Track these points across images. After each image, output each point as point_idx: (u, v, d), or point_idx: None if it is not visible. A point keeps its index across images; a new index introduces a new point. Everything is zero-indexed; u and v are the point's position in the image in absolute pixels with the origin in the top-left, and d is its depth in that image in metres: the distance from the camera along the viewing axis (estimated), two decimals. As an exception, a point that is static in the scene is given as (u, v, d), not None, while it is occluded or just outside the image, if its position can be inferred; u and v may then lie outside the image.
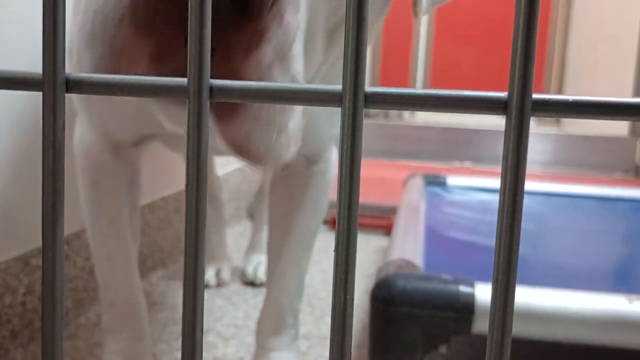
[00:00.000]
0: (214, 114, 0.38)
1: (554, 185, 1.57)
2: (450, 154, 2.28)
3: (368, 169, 1.34)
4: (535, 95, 0.24)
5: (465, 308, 0.67)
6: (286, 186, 0.80)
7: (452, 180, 1.56)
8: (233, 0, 0.35)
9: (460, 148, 2.29)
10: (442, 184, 1.55)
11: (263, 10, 0.36)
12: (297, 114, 0.43)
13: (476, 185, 1.53)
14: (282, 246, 0.81)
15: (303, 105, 0.27)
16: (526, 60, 0.24)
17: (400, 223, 1.09)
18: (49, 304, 0.26)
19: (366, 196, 1.61)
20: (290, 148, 0.46)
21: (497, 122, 2.44)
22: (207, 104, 0.26)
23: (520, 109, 0.24)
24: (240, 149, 0.40)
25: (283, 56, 0.38)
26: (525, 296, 0.69)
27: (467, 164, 2.23)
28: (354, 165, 0.25)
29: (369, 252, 1.55)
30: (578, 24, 3.25)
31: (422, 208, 1.24)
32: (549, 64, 3.41)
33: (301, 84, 0.26)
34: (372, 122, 2.58)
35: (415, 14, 0.55)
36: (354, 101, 0.25)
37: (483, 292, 0.69)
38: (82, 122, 0.72)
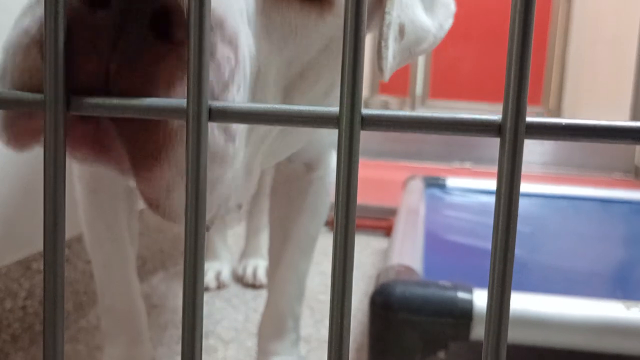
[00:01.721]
0: (131, 169, 0.36)
1: (552, 187, 1.58)
2: (450, 155, 2.29)
3: (368, 169, 1.35)
4: (528, 119, 0.25)
5: (464, 314, 0.68)
6: (285, 192, 0.81)
7: (452, 182, 1.57)
8: (152, 25, 0.33)
9: (460, 149, 2.29)
10: (441, 185, 1.55)
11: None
12: (233, 166, 0.40)
13: (476, 188, 1.54)
14: (282, 251, 0.82)
15: (300, 127, 0.27)
16: (520, 85, 0.24)
17: (400, 227, 1.09)
18: (50, 307, 0.27)
19: (366, 197, 1.62)
20: (229, 202, 0.42)
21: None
22: (206, 125, 0.27)
23: (514, 132, 0.25)
24: (157, 209, 0.37)
25: (216, 95, 0.37)
26: (523, 302, 0.69)
27: (467, 165, 2.23)
28: (351, 185, 0.25)
29: (369, 253, 1.55)
30: (578, 24, 3.25)
31: (421, 211, 1.24)
32: (549, 64, 3.41)
33: (297, 106, 0.26)
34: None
35: (380, 69, 0.52)
36: (351, 123, 0.26)
37: (481, 299, 0.69)
38: None
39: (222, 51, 0.38)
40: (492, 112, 0.24)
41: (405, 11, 0.53)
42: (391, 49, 0.52)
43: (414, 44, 0.56)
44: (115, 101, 0.27)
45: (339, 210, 0.25)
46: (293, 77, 0.49)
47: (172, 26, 0.33)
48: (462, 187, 1.54)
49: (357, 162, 0.26)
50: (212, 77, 0.36)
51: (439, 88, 3.35)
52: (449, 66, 3.39)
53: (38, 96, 0.28)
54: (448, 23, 0.61)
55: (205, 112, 0.27)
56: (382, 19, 0.52)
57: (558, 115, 3.47)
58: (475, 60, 3.41)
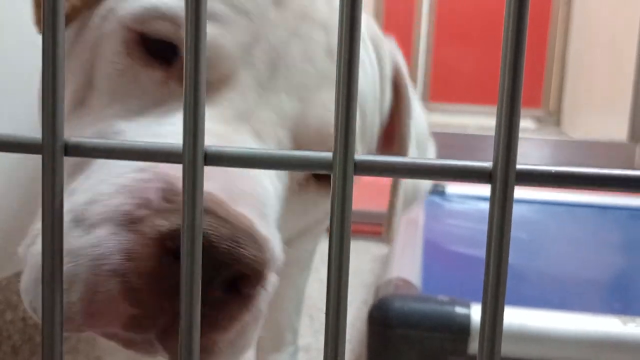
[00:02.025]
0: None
1: (550, 193, 1.58)
2: (449, 158, 2.29)
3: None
4: (519, 166, 0.25)
5: (461, 329, 0.68)
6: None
7: (452, 188, 1.57)
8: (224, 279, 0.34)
9: (460, 153, 2.30)
10: (441, 192, 1.56)
11: (253, 290, 0.36)
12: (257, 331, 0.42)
13: (475, 194, 1.54)
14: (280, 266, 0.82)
15: (294, 171, 0.27)
16: (510, 133, 0.25)
17: (399, 237, 1.10)
18: (49, 318, 0.27)
19: (365, 202, 1.62)
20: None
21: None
22: (202, 169, 0.27)
23: (504, 180, 0.25)
24: None
25: (257, 316, 0.38)
26: (519, 317, 0.70)
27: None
28: (344, 232, 0.26)
29: (368, 259, 1.56)
30: (578, 26, 3.25)
31: (420, 220, 1.25)
32: (549, 66, 3.42)
33: (292, 151, 0.27)
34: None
35: (389, 239, 0.58)
36: (344, 169, 0.26)
37: (479, 313, 0.69)
38: None
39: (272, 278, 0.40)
40: (492, 129, 0.24)
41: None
42: (399, 214, 0.59)
43: (412, 200, 0.63)
44: (113, 144, 0.28)
45: (333, 253, 0.26)
46: (299, 231, 0.53)
47: (244, 284, 0.35)
48: (461, 194, 1.55)
49: (350, 206, 0.26)
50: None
51: (440, 91, 3.35)
52: (450, 68, 3.39)
53: (36, 140, 0.28)
54: None
55: (201, 156, 0.27)
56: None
57: (558, 116, 3.47)
58: (475, 62, 3.42)
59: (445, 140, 2.38)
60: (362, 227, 1.70)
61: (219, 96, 0.43)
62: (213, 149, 0.27)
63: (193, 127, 0.27)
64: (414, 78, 3.18)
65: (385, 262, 1.09)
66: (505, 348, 0.23)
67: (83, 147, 0.28)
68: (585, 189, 0.25)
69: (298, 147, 0.46)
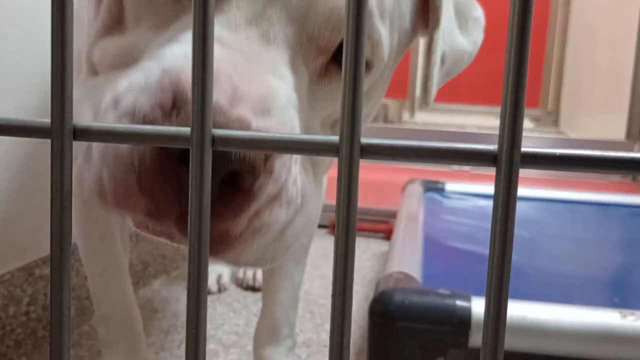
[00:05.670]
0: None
1: (550, 191, 1.59)
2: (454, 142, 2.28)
3: (367, 172, 1.35)
4: (524, 149, 0.25)
5: (462, 322, 0.69)
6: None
7: (451, 186, 1.58)
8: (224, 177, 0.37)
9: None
10: (440, 190, 1.56)
11: (253, 184, 0.38)
12: (305, 209, 0.44)
13: (474, 192, 1.54)
14: None
15: (300, 154, 0.28)
16: (515, 116, 0.25)
17: (399, 232, 1.10)
18: (57, 314, 0.27)
19: (365, 200, 1.63)
20: (295, 245, 0.47)
21: (496, 123, 2.43)
22: (209, 152, 0.27)
23: (509, 163, 0.25)
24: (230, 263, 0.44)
25: (275, 202, 0.40)
26: (520, 310, 0.70)
27: (466, 167, 2.24)
28: (350, 212, 0.26)
29: (368, 257, 1.56)
30: (576, 26, 3.26)
31: (420, 216, 1.25)
32: (547, 66, 3.42)
33: (298, 135, 0.27)
34: (373, 125, 2.59)
35: (426, 102, 0.58)
36: (350, 152, 0.26)
37: (479, 306, 0.70)
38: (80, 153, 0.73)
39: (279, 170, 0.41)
40: (490, 129, 0.24)
41: (446, 40, 0.57)
42: (435, 79, 0.57)
43: (453, 66, 0.61)
44: (121, 128, 0.28)
45: (339, 237, 0.26)
46: (336, 118, 0.52)
47: (241, 178, 0.38)
48: (461, 192, 1.55)
49: (356, 189, 0.26)
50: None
51: (439, 90, 3.35)
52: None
53: (45, 125, 0.28)
54: (480, 38, 0.65)
55: (209, 139, 0.27)
56: (429, 49, 0.56)
57: (556, 116, 3.47)
58: (476, 62, 3.41)
59: (445, 139, 2.38)
60: (362, 224, 1.71)
61: (229, 1, 0.43)
62: (220, 132, 0.27)
63: (201, 111, 0.27)
64: (413, 78, 3.18)
65: (385, 257, 1.09)
66: (505, 341, 0.24)
67: (92, 131, 0.28)
68: (588, 171, 0.25)
69: (309, 38, 0.46)
